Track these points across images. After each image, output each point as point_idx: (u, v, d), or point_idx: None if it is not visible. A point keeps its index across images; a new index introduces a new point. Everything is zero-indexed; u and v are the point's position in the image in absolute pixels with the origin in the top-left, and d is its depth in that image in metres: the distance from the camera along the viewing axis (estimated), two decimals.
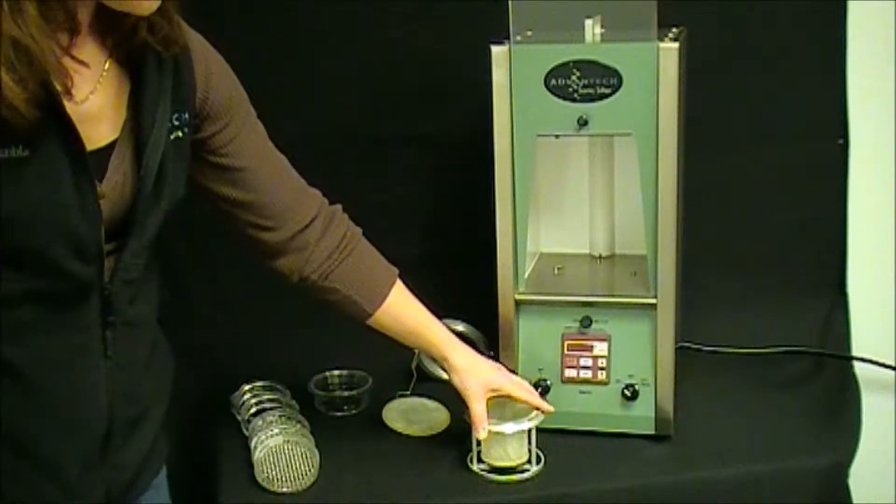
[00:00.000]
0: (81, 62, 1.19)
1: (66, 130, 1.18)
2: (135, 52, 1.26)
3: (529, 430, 1.64)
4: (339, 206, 1.59)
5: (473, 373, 1.64)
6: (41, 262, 1.21)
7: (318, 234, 1.54)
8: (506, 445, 1.63)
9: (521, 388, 1.66)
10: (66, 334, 1.26)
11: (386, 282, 1.60)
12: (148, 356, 1.40)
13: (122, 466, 1.37)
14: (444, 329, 1.65)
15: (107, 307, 1.29)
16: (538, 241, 1.89)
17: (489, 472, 1.64)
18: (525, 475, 1.63)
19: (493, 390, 1.64)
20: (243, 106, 1.45)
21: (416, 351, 1.93)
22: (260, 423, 1.70)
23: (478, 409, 1.61)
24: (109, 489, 1.36)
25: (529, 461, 1.65)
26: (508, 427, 1.62)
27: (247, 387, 1.83)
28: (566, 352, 1.74)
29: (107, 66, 1.25)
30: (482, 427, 1.61)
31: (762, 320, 2.04)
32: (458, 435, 1.76)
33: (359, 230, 1.60)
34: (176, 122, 1.31)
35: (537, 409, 1.65)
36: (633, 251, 1.83)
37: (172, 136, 1.30)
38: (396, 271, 1.62)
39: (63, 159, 1.19)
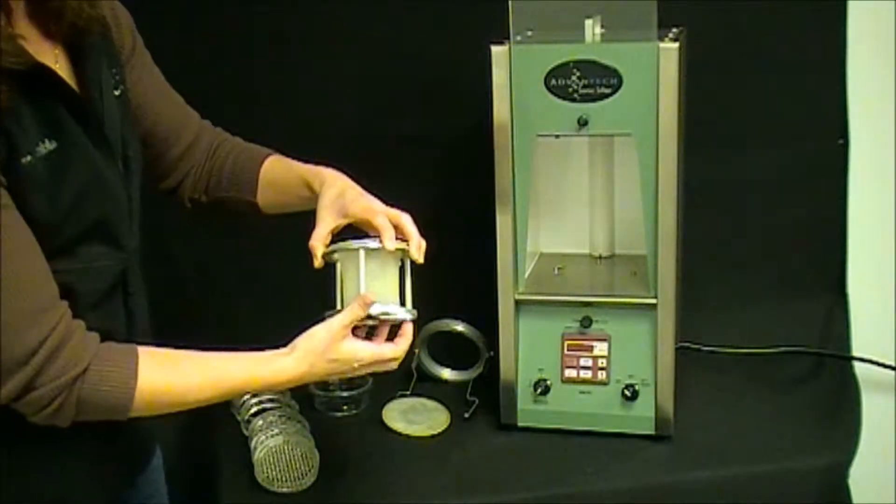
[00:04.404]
0: (22, 36, 1.20)
1: (68, 99, 1.22)
2: (69, 34, 1.28)
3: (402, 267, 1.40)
4: (208, 122, 1.56)
5: (338, 189, 1.43)
6: (107, 241, 1.27)
7: (202, 154, 1.52)
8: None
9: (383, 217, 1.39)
10: (101, 317, 1.28)
11: (255, 166, 1.53)
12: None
13: (141, 430, 1.42)
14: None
15: (125, 279, 1.33)
16: (538, 241, 1.89)
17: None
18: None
19: (344, 214, 1.41)
20: (139, 39, 1.45)
21: (416, 351, 1.93)
22: (260, 423, 1.70)
23: (318, 230, 1.40)
24: (134, 458, 1.44)
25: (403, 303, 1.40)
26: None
27: None
28: (566, 352, 1.74)
29: (56, 49, 1.27)
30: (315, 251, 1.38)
31: (762, 320, 2.04)
32: (459, 435, 1.76)
33: (226, 134, 1.56)
34: (116, 78, 1.34)
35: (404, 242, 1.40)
36: (633, 251, 1.83)
37: (117, 93, 1.34)
38: (267, 153, 1.54)
39: (84, 136, 1.23)
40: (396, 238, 1.38)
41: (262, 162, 1.53)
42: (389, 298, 1.37)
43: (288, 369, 1.31)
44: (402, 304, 1.40)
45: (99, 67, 1.31)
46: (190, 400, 1.28)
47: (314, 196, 1.44)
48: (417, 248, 1.39)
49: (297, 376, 1.31)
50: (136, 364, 1.22)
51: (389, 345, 1.35)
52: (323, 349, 1.30)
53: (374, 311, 1.33)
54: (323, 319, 1.34)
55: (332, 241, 1.40)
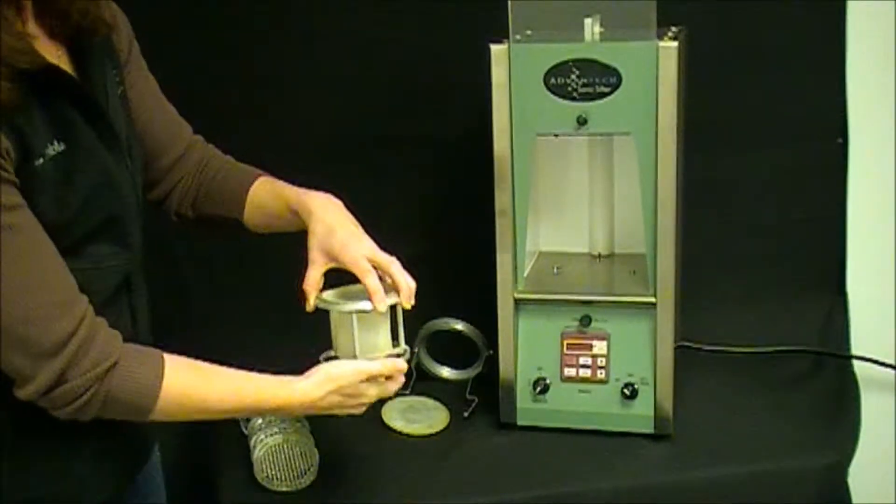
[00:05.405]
0: (31, 35, 1.21)
1: (78, 99, 1.22)
2: (72, 34, 1.28)
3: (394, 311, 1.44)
4: (200, 137, 1.56)
5: (326, 227, 1.42)
6: (116, 241, 1.28)
7: (191, 168, 1.52)
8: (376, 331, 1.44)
9: (366, 269, 1.40)
10: (108, 317, 1.27)
11: (244, 186, 1.52)
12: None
13: (141, 427, 1.41)
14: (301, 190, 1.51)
15: (127, 277, 1.33)
16: (538, 241, 1.89)
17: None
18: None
19: (334, 259, 1.42)
20: (135, 45, 1.45)
21: (416, 350, 1.93)
22: (260, 422, 1.71)
23: (310, 273, 1.43)
24: (134, 454, 1.44)
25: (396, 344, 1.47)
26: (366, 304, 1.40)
27: None
28: (566, 351, 1.74)
29: (59, 50, 1.27)
30: (308, 297, 1.43)
31: (762, 320, 2.04)
32: (458, 434, 1.76)
33: (216, 151, 1.56)
34: (117, 80, 1.35)
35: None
36: (633, 250, 1.83)
37: (119, 92, 1.34)
38: (257, 174, 1.54)
39: (94, 137, 1.24)
40: (387, 292, 1.41)
41: (251, 183, 1.53)
42: (383, 346, 1.43)
43: (298, 394, 1.34)
44: (395, 340, 1.45)
45: (103, 68, 1.32)
46: (208, 409, 1.30)
47: (302, 222, 1.46)
48: (407, 297, 1.42)
49: (309, 401, 1.35)
50: (163, 365, 1.24)
51: (392, 383, 1.42)
52: (344, 383, 1.36)
53: None
54: (318, 362, 1.39)
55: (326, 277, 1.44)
